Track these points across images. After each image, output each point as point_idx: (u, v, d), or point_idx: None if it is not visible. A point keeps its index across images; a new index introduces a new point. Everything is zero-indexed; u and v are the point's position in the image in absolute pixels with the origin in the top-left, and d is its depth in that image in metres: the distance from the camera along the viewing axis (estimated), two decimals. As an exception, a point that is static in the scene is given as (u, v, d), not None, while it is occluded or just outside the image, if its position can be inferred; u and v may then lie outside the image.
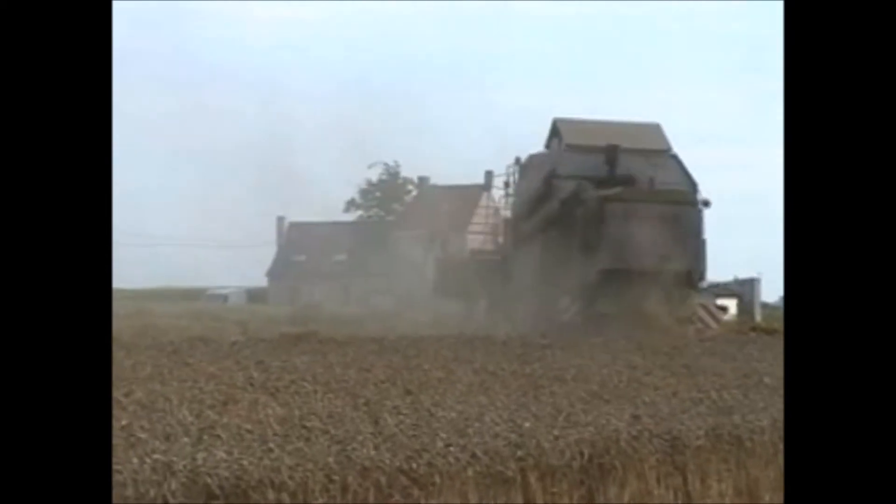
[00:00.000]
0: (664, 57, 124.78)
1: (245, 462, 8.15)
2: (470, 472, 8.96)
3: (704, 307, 33.24)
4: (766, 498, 10.81)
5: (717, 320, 33.47)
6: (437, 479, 8.77)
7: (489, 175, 40.29)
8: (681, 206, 33.20)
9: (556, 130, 37.28)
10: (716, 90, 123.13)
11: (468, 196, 42.55)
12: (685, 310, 32.24)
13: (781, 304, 45.04)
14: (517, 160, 38.34)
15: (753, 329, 32.33)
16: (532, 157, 37.60)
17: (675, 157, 36.29)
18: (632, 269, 31.95)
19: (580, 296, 32.34)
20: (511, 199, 38.05)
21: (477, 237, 41.06)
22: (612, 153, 34.10)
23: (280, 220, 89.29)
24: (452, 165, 48.36)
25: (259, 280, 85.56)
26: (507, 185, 38.22)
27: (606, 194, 32.73)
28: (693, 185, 35.82)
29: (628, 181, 34.18)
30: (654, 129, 37.60)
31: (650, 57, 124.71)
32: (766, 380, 14.65)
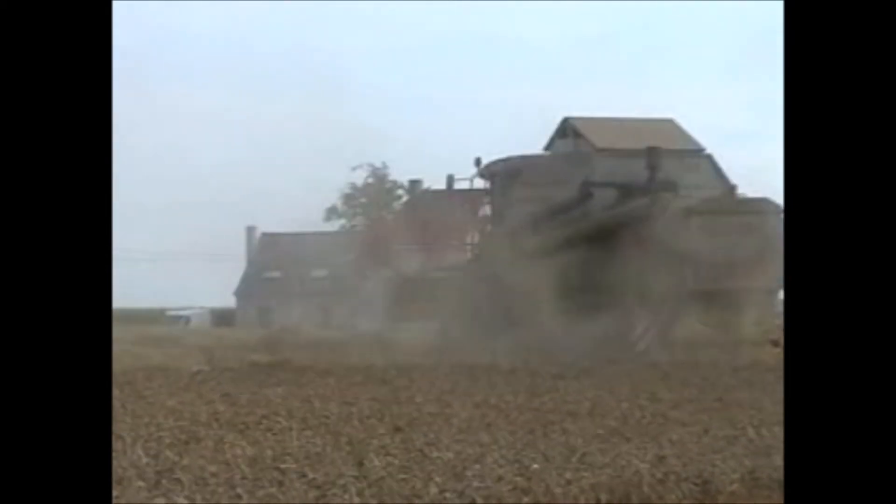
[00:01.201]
0: (668, 53, 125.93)
1: (209, 511, 8.16)
2: (469, 521, 8.97)
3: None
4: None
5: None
6: (432, 530, 8.77)
7: (450, 178, 40.59)
8: (764, 216, 33.27)
9: (572, 130, 37.36)
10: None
11: (471, 201, 42.52)
12: (772, 330, 32.51)
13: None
14: (478, 161, 38.57)
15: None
16: (523, 160, 37.71)
17: (709, 157, 36.41)
18: (716, 289, 32.07)
19: (657, 320, 32.45)
20: (496, 206, 38.21)
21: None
22: (653, 157, 34.25)
23: (250, 230, 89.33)
24: (449, 167, 48.16)
25: (226, 299, 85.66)
26: (478, 190, 38.60)
27: (689, 207, 32.82)
28: (731, 187, 35.90)
29: (669, 187, 34.29)
30: (672, 126, 37.74)
31: (652, 53, 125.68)
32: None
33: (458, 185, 41.00)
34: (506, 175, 37.76)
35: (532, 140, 38.73)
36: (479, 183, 40.31)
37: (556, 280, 33.18)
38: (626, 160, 35.18)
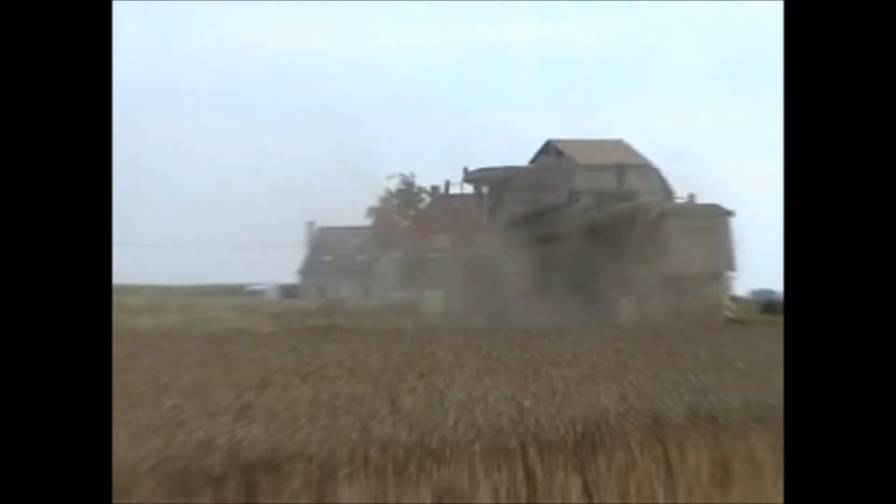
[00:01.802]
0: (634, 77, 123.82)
1: (279, 437, 8.14)
2: (477, 445, 8.94)
3: (730, 299, 34.06)
4: (738, 468, 10.77)
5: (732, 309, 34.27)
6: (448, 452, 8.75)
7: (447, 183, 40.75)
8: (717, 217, 33.47)
9: (553, 149, 37.68)
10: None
11: (474, 204, 42.60)
12: (718, 302, 32.95)
13: (751, 297, 45.00)
14: (465, 171, 38.73)
15: (727, 320, 32.29)
16: (511, 170, 37.84)
17: (656, 170, 36.67)
18: (680, 274, 32.31)
19: (637, 297, 32.67)
20: (485, 207, 38.31)
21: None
22: (621, 171, 34.78)
23: (309, 223, 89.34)
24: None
25: (292, 278, 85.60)
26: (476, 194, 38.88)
27: (662, 211, 33.06)
28: (670, 194, 36.11)
29: (632, 196, 34.66)
30: (623, 144, 38.16)
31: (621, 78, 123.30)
32: (738, 364, 14.60)
33: (451, 189, 41.20)
34: (497, 181, 37.94)
35: (508, 155, 38.94)
36: (468, 188, 40.60)
37: (545, 264, 33.28)
38: (598, 173, 35.44)
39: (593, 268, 32.55)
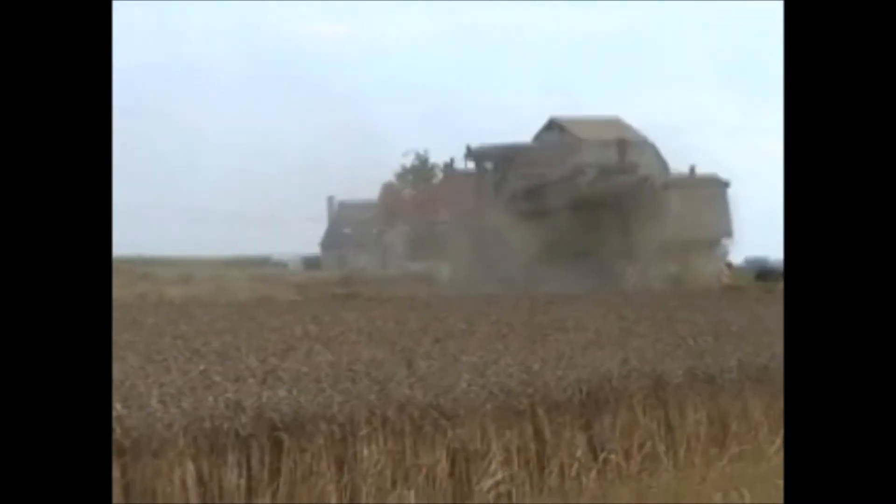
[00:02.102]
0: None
1: (302, 399, 8.15)
2: (489, 406, 8.94)
3: (726, 265, 34.36)
4: (733, 425, 10.78)
5: (728, 274, 34.53)
6: (462, 412, 8.75)
7: (451, 161, 40.87)
8: (715, 188, 33.74)
9: (557, 126, 37.74)
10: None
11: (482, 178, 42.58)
12: (717, 267, 33.38)
13: (745, 265, 44.93)
14: (468, 148, 38.80)
15: (723, 286, 32.32)
16: (518, 148, 37.87)
17: (652, 145, 36.78)
18: (683, 240, 32.61)
19: (643, 262, 32.92)
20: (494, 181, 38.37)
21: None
22: (622, 146, 34.92)
23: (330, 198, 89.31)
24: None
25: (314, 249, 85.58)
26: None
27: (667, 181, 33.27)
28: (665, 167, 36.22)
29: (633, 169, 34.82)
30: (620, 122, 38.28)
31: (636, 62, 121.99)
32: (733, 328, 14.60)
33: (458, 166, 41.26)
34: (501, 157, 37.99)
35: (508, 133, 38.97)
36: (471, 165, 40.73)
37: (553, 234, 33.36)
38: (601, 148, 35.57)
39: (601, 236, 32.67)
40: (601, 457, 9.58)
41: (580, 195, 34.26)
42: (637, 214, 32.82)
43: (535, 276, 32.73)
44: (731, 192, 34.54)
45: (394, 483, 8.29)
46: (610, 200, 33.49)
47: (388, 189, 48.76)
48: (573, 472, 9.29)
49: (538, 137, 39.03)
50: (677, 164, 36.61)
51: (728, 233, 33.76)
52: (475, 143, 40.85)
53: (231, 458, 7.67)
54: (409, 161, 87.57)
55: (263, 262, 71.15)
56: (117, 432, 7.16)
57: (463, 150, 41.05)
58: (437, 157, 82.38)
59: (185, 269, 42.71)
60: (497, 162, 38.69)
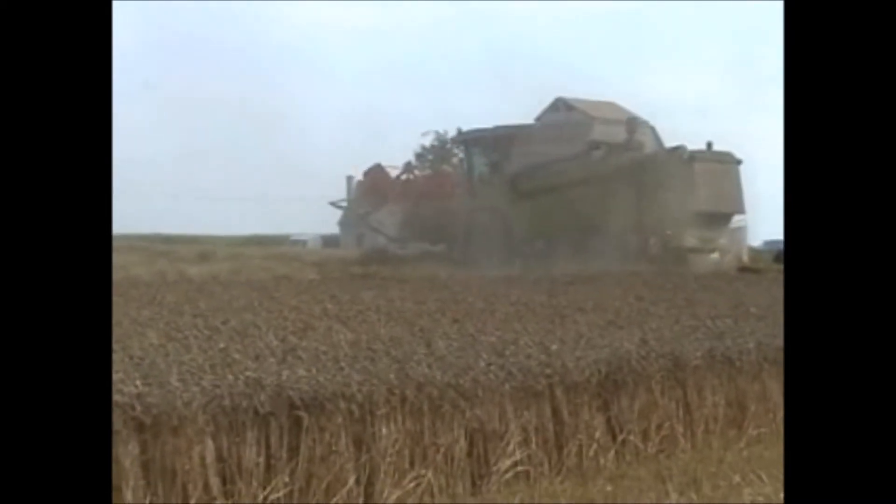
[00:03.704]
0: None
1: (321, 378, 8.16)
2: (507, 386, 8.94)
3: (737, 242, 34.69)
4: (752, 407, 10.76)
5: (746, 254, 35.28)
6: (480, 393, 8.75)
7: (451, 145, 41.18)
8: (728, 164, 34.13)
9: (563, 105, 37.97)
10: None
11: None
12: (729, 243, 33.83)
13: (764, 248, 44.87)
14: (459, 131, 38.95)
15: (741, 269, 32.27)
16: (518, 128, 37.91)
17: (651, 127, 36.97)
18: (704, 212, 32.95)
19: (667, 234, 33.25)
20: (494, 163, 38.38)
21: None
22: (631, 125, 35.22)
23: (349, 178, 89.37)
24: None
25: (332, 228, 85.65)
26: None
27: (692, 155, 33.53)
28: (663, 147, 36.43)
29: (640, 147, 35.01)
30: (616, 105, 38.50)
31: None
32: (752, 310, 14.56)
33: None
34: (501, 138, 38.02)
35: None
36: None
37: (569, 210, 33.42)
38: (608, 126, 35.80)
39: (620, 210, 32.77)
40: (619, 438, 9.58)
41: (598, 170, 34.31)
42: (663, 187, 32.95)
43: (548, 253, 32.82)
44: (746, 173, 34.70)
45: (412, 462, 8.30)
46: (631, 174, 33.56)
47: (374, 170, 48.36)
48: (591, 453, 9.30)
49: (542, 117, 39.06)
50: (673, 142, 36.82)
51: (741, 209, 34.12)
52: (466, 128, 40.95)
53: (250, 436, 7.68)
54: (428, 141, 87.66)
55: (282, 240, 71.29)
56: (137, 409, 7.17)
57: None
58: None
59: (204, 248, 42.75)
60: (494, 144, 38.73)
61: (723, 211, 33.99)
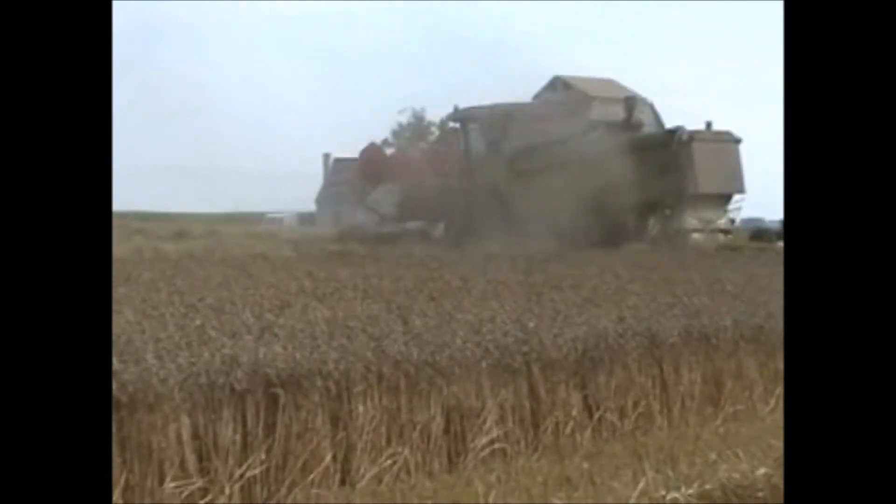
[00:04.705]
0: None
1: (298, 356, 8.15)
2: (484, 364, 8.95)
3: (731, 220, 34.75)
4: (728, 385, 10.81)
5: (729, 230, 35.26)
6: (457, 370, 8.76)
7: (442, 123, 41.04)
8: (728, 143, 33.96)
9: (561, 84, 37.68)
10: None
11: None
12: (721, 221, 33.89)
13: (740, 225, 45.01)
14: (456, 108, 38.74)
15: (719, 246, 32.40)
16: (516, 106, 37.74)
17: (650, 105, 36.75)
18: (704, 193, 32.92)
19: (664, 215, 33.24)
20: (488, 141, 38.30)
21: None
22: (630, 104, 35.08)
23: (326, 156, 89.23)
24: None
25: (309, 206, 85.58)
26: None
27: (692, 135, 33.37)
28: (662, 125, 36.24)
29: (639, 126, 34.98)
30: (615, 82, 38.26)
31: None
32: (729, 287, 14.61)
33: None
34: (498, 116, 37.86)
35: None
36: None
37: (566, 189, 33.31)
38: (607, 105, 35.65)
39: (620, 190, 32.73)
40: (596, 415, 9.61)
41: (596, 150, 34.19)
42: (664, 167, 32.95)
43: (543, 233, 32.81)
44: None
45: (388, 440, 8.30)
46: (630, 154, 33.50)
47: (371, 148, 48.11)
48: (568, 431, 9.32)
49: (540, 95, 38.81)
50: (670, 123, 36.62)
51: (741, 189, 34.01)
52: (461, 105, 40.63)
53: (226, 413, 7.67)
54: (405, 118, 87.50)
55: (258, 218, 71.12)
56: (114, 387, 7.15)
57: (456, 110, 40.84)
58: (435, 116, 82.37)
59: (180, 225, 42.67)
60: (492, 121, 38.53)
61: (723, 191, 33.84)
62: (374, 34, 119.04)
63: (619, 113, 35.25)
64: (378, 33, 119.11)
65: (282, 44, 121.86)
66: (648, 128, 35.82)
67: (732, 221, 35.31)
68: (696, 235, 32.82)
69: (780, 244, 32.45)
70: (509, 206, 35.65)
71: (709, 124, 34.51)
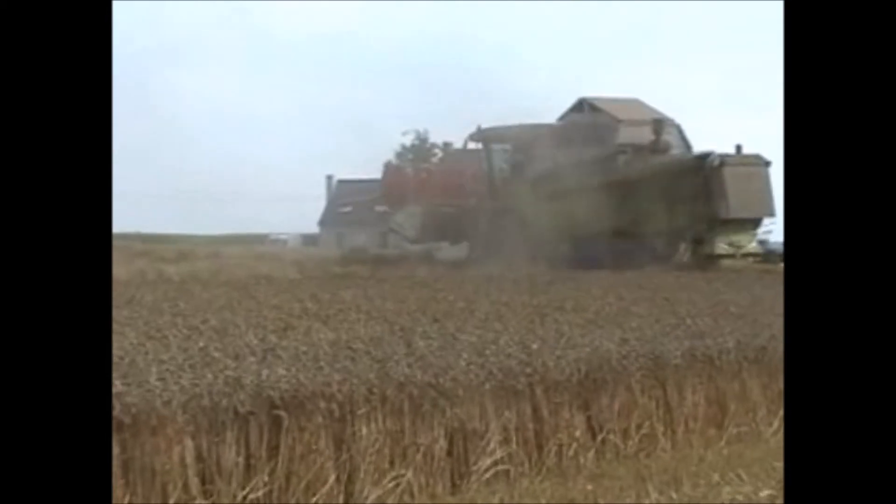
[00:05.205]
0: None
1: (301, 377, 8.15)
2: (487, 385, 8.95)
3: (760, 243, 34.55)
4: (732, 406, 10.79)
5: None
6: (461, 392, 8.76)
7: (465, 143, 40.64)
8: (758, 167, 33.72)
9: (588, 106, 37.39)
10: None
11: (482, 159, 42.19)
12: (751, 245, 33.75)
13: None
14: (479, 128, 38.57)
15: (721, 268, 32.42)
16: (541, 128, 37.55)
17: (678, 127, 36.51)
18: (732, 218, 32.79)
19: (693, 240, 33.13)
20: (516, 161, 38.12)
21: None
22: (658, 127, 34.86)
23: (329, 178, 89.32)
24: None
25: (312, 228, 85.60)
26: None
27: (724, 160, 33.20)
28: (689, 148, 36.08)
29: (667, 149, 34.84)
30: (640, 102, 37.89)
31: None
32: (732, 309, 14.61)
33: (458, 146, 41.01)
34: (524, 137, 37.67)
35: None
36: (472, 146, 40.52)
37: (596, 212, 33.20)
38: (636, 128, 35.44)
39: (651, 214, 32.65)
40: (599, 437, 9.59)
41: (625, 175, 34.07)
42: (696, 191, 32.86)
43: (569, 257, 32.71)
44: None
45: (392, 462, 8.30)
46: (661, 179, 33.39)
47: (394, 169, 47.92)
48: (571, 452, 9.31)
49: (565, 117, 38.53)
50: (697, 145, 36.50)
51: (771, 212, 33.78)
52: (472, 126, 40.44)
53: (230, 435, 7.67)
54: (408, 140, 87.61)
55: (262, 239, 71.19)
56: (117, 408, 7.15)
57: (462, 130, 40.71)
58: (438, 137, 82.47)
59: (183, 247, 42.70)
60: (514, 142, 38.41)
61: (753, 216, 33.65)
62: (376, 55, 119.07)
63: (646, 135, 35.01)
64: (380, 55, 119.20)
65: (282, 64, 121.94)
66: (676, 150, 35.59)
67: (762, 244, 35.10)
68: (726, 261, 32.62)
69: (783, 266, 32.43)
70: (534, 228, 35.46)
71: (738, 147, 34.31)
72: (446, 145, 73.35)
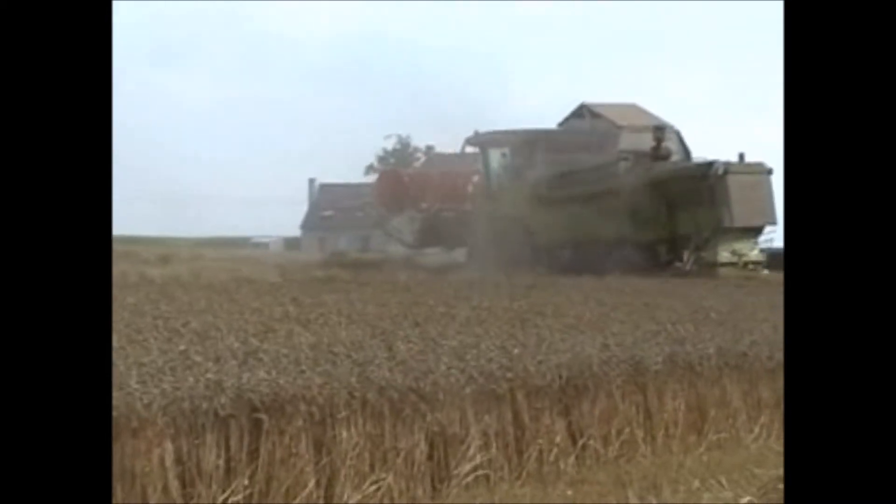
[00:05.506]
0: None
1: (282, 381, 8.14)
2: (468, 390, 8.95)
3: (761, 251, 34.48)
4: (712, 413, 10.81)
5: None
6: (441, 396, 8.75)
7: (463, 147, 40.42)
8: (761, 175, 33.62)
9: (588, 112, 37.29)
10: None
11: (468, 161, 42.06)
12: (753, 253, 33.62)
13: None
14: (476, 133, 38.46)
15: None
16: (541, 133, 37.50)
17: (677, 132, 36.45)
18: (735, 226, 32.69)
19: (696, 248, 33.03)
20: (508, 167, 38.04)
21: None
22: (658, 133, 34.75)
23: (311, 180, 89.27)
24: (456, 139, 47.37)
25: (294, 231, 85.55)
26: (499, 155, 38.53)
27: (728, 168, 33.10)
28: (688, 154, 36.06)
29: (667, 154, 34.77)
30: (639, 107, 37.91)
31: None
32: (713, 315, 14.63)
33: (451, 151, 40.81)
34: (523, 142, 37.57)
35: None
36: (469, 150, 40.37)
37: (597, 219, 33.14)
38: (638, 134, 35.37)
39: (654, 221, 32.62)
40: (580, 442, 9.60)
41: (627, 181, 34.01)
42: (700, 199, 32.83)
43: (567, 263, 32.64)
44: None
45: (372, 466, 8.29)
46: (671, 185, 33.36)
47: (389, 174, 47.82)
48: (551, 458, 9.31)
49: (565, 123, 38.42)
50: (694, 149, 36.50)
51: (773, 220, 33.74)
52: (465, 132, 40.33)
53: (210, 438, 7.65)
54: (390, 144, 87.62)
55: (243, 243, 71.07)
56: (96, 411, 7.12)
57: (447, 135, 40.70)
58: (420, 141, 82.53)
59: (165, 250, 42.62)
60: (513, 147, 38.32)
61: (756, 223, 33.62)
62: (357, 61, 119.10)
63: (647, 142, 34.97)
64: (362, 60, 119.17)
65: (265, 67, 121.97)
66: (676, 156, 35.57)
67: (763, 252, 35.04)
68: (726, 269, 32.54)
69: (766, 272, 32.42)
70: (532, 234, 35.37)
71: (741, 156, 34.30)
72: (429, 149, 73.34)
